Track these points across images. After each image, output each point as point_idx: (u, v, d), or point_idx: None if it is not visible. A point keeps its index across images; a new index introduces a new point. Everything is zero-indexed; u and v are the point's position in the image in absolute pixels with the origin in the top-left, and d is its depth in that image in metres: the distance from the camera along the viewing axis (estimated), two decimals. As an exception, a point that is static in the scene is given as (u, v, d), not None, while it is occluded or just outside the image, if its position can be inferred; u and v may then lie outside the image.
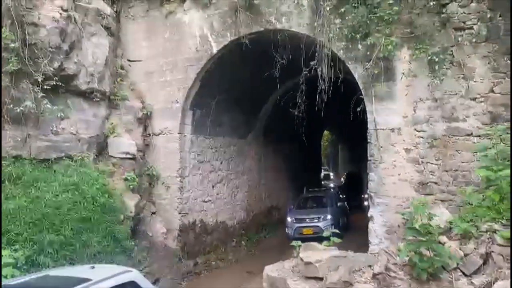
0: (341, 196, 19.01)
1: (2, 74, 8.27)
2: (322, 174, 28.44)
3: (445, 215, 5.91)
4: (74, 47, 9.93)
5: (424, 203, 5.06)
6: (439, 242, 5.27)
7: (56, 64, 9.28)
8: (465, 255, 5.10)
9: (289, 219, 15.61)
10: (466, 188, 7.72)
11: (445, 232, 5.67)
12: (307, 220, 15.20)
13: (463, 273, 4.98)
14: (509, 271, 4.78)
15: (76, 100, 10.12)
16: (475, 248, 5.14)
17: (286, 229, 15.48)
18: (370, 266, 5.34)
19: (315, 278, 5.10)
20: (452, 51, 8.56)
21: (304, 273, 5.25)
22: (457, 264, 5.02)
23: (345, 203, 18.55)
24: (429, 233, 5.06)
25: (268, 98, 15.65)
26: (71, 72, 9.76)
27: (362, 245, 9.31)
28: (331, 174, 34.56)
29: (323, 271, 5.01)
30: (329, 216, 15.18)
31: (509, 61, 8.16)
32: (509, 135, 7.36)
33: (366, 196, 12.03)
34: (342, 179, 26.58)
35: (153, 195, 11.83)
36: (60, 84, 9.41)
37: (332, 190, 22.01)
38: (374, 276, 5.03)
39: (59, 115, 9.39)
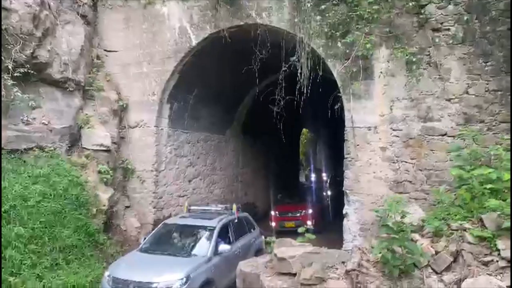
0: (325, 193, 19.56)
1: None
2: (302, 174, 28.45)
3: (418, 213, 5.99)
4: (48, 35, 9.60)
5: (397, 201, 5.08)
6: (412, 240, 5.34)
7: (28, 51, 8.94)
8: (436, 252, 5.19)
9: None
10: (439, 187, 7.88)
11: (417, 230, 5.74)
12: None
13: (434, 270, 5.05)
14: (478, 269, 4.88)
15: (49, 90, 9.80)
16: (446, 246, 5.22)
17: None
18: (343, 262, 5.37)
19: (289, 274, 5.09)
20: (429, 51, 8.67)
21: (277, 269, 5.23)
22: (428, 261, 5.09)
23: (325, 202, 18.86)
24: (401, 230, 5.11)
25: (247, 94, 15.57)
26: (44, 60, 9.43)
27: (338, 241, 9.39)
28: (312, 173, 34.54)
29: (297, 267, 5.00)
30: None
31: (483, 63, 8.34)
32: (482, 136, 7.55)
33: None
34: (324, 177, 26.46)
35: (128, 189, 11.61)
36: (32, 72, 9.07)
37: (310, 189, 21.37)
38: (347, 272, 5.06)
39: (30, 104, 9.07)
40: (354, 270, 4.99)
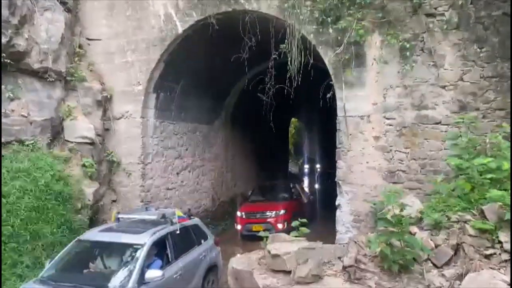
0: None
1: None
2: (292, 163, 28.02)
3: (416, 204, 5.77)
4: (26, 22, 9.12)
5: (396, 193, 4.85)
6: (410, 233, 5.13)
7: (4, 40, 8.47)
8: (436, 246, 4.97)
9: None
10: (435, 177, 7.68)
11: (415, 222, 5.53)
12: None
13: (434, 264, 4.84)
14: (480, 262, 4.69)
15: (28, 80, 9.34)
16: (446, 239, 5.01)
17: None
18: (339, 258, 5.13)
19: (283, 271, 4.84)
20: (423, 37, 8.44)
21: (271, 266, 4.97)
22: (428, 255, 4.88)
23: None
24: (400, 223, 4.88)
25: (236, 83, 15.21)
26: (22, 49, 8.95)
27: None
28: (305, 163, 34.11)
29: (291, 264, 4.75)
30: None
31: (478, 49, 8.13)
32: (478, 124, 7.36)
33: None
34: (317, 167, 26.07)
35: (114, 183, 11.26)
36: (9, 61, 8.63)
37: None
38: (344, 268, 4.82)
39: (8, 96, 8.63)
40: (351, 266, 4.75)
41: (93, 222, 9.85)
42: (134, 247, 6.64)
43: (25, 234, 7.54)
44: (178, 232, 7.46)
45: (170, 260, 7.12)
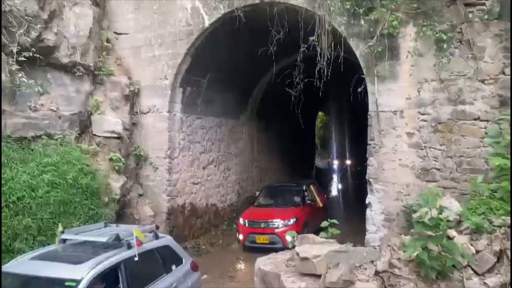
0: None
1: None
2: (318, 158, 27.29)
3: (454, 206, 5.44)
4: (55, 17, 9.17)
5: (435, 194, 4.54)
6: (448, 237, 4.82)
7: (33, 34, 8.53)
8: (477, 251, 4.65)
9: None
10: (472, 176, 7.30)
11: (454, 226, 5.21)
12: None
13: (475, 271, 4.52)
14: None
15: (57, 74, 9.41)
16: (488, 244, 4.68)
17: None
18: (372, 261, 4.88)
19: (313, 275, 4.63)
20: (461, 28, 7.96)
21: (299, 269, 4.77)
22: (468, 261, 4.57)
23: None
24: (438, 227, 4.58)
25: (262, 77, 15.00)
26: (51, 43, 9.02)
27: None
28: (334, 159, 33.16)
29: (321, 268, 4.53)
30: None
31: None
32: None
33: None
34: (346, 163, 25.27)
35: (141, 177, 11.31)
36: (39, 56, 8.68)
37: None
38: (377, 273, 4.57)
39: (37, 90, 8.69)
40: (385, 271, 4.50)
41: (120, 216, 9.90)
42: (66, 285, 4.84)
43: (53, 227, 7.57)
44: (136, 258, 5.54)
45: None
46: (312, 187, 13.96)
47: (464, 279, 4.45)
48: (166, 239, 6.86)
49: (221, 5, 10.20)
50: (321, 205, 13.62)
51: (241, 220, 11.88)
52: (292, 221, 11.28)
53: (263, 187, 14.48)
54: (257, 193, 14.02)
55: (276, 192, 13.53)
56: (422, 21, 8.15)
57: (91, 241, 5.86)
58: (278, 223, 11.30)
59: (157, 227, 7.51)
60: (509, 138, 5.67)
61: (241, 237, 11.67)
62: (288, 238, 8.97)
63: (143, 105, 11.19)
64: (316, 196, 13.68)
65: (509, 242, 4.63)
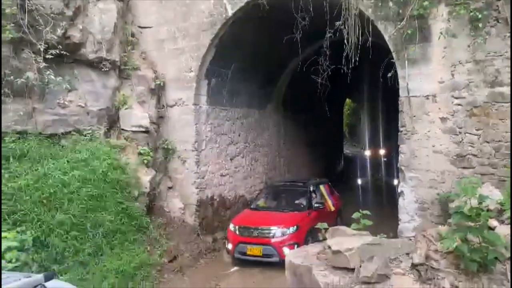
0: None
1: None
2: (346, 146, 26.37)
3: (495, 195, 5.16)
4: (79, 13, 9.24)
5: (475, 183, 4.30)
6: (489, 228, 4.57)
7: (59, 32, 8.61)
8: (520, 243, 4.39)
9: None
10: (513, 162, 6.93)
11: (494, 215, 4.94)
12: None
13: (519, 264, 4.28)
14: None
15: (84, 71, 9.50)
16: (532, 235, 4.41)
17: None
18: (407, 254, 4.69)
19: (345, 268, 4.49)
20: (498, 6, 7.50)
21: (332, 262, 4.64)
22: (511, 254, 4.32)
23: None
24: (478, 217, 4.34)
25: (287, 65, 14.72)
26: (77, 40, 9.10)
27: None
28: (361, 147, 32.34)
29: (355, 261, 4.39)
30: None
31: None
32: None
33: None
34: (381, 151, 24.34)
35: (170, 170, 11.35)
36: (65, 53, 8.78)
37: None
38: (414, 266, 4.39)
39: (65, 87, 8.81)
40: (422, 264, 4.31)
41: (151, 209, 10.00)
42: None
43: (85, 222, 7.71)
44: None
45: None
46: (322, 188, 11.96)
47: (507, 271, 4.21)
48: None
49: (243, -6, 10.01)
50: (333, 209, 11.60)
51: (231, 226, 10.15)
52: (291, 229, 9.47)
53: (265, 187, 13.22)
54: (257, 193, 12.68)
55: (277, 193, 11.98)
56: (455, 0, 7.73)
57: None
58: (274, 231, 9.47)
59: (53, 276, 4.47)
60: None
61: (230, 246, 9.93)
62: (286, 251, 8.28)
63: (169, 98, 11.20)
64: (327, 198, 11.72)
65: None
